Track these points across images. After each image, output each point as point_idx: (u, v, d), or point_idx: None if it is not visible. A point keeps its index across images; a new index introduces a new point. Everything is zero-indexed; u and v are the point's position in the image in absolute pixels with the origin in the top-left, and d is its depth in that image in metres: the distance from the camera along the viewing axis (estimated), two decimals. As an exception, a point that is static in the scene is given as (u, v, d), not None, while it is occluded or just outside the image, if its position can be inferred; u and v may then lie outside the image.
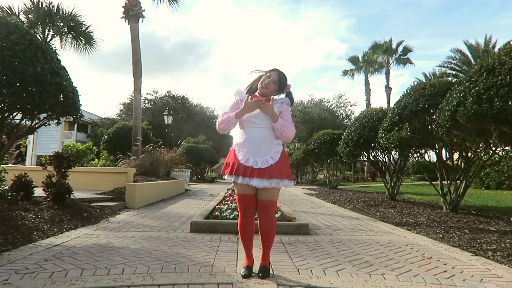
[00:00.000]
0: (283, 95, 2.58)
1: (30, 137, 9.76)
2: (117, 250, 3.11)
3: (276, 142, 2.44)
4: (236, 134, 2.57)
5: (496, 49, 20.08)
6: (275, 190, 2.40)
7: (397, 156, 8.58)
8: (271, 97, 2.49)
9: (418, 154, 7.81)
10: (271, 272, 2.51)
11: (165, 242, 3.50)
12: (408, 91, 6.31)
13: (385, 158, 9.09)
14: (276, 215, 4.58)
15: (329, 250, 3.30)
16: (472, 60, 20.67)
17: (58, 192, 4.85)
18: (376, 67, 30.63)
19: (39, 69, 3.73)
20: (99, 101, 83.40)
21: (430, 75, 24.48)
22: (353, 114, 28.26)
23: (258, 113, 2.41)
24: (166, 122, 15.86)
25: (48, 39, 12.94)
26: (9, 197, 4.62)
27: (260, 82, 2.49)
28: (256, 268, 2.49)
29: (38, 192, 5.16)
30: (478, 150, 5.42)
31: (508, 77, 3.62)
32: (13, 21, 4.03)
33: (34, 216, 4.12)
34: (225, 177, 2.46)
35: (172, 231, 4.12)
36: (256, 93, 2.53)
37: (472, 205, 7.18)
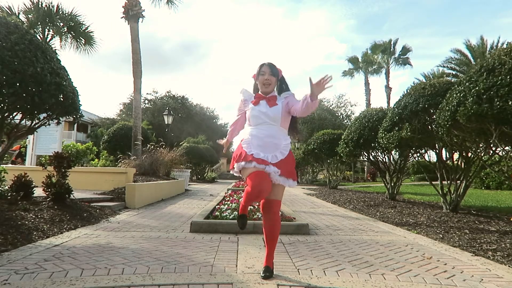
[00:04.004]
0: (286, 93, 2.57)
1: (30, 137, 9.75)
2: (117, 250, 3.10)
3: (284, 138, 2.45)
4: (243, 131, 2.58)
5: (488, 50, 20.01)
6: (280, 188, 2.41)
7: (397, 156, 8.59)
8: (276, 95, 2.53)
9: (418, 154, 7.81)
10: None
11: (165, 242, 3.49)
12: (408, 91, 6.31)
13: (385, 158, 9.09)
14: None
15: (329, 250, 3.30)
16: (472, 60, 20.68)
17: (58, 192, 4.85)
18: (375, 67, 30.63)
19: (39, 69, 3.73)
20: (99, 101, 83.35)
21: (430, 75, 24.47)
22: (353, 114, 28.24)
23: (266, 110, 2.43)
24: (166, 122, 15.85)
25: (48, 39, 12.94)
26: (9, 197, 4.62)
27: (259, 81, 2.51)
28: (256, 268, 2.49)
29: (38, 192, 5.16)
30: (478, 150, 5.42)
31: (508, 77, 3.62)
32: (13, 21, 4.04)
33: (34, 216, 4.11)
34: (236, 166, 2.38)
35: (172, 231, 4.12)
36: (260, 91, 2.54)
37: (472, 205, 7.18)
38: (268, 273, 2.40)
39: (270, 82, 2.48)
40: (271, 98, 2.49)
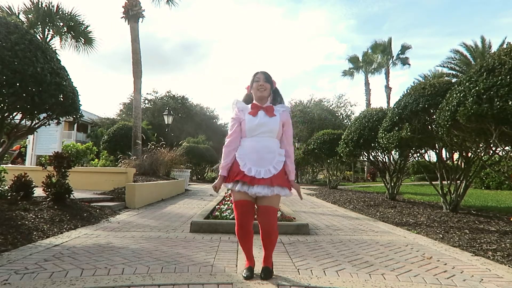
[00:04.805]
0: (282, 105, 2.53)
1: (30, 137, 9.75)
2: (117, 250, 3.10)
3: (278, 151, 2.41)
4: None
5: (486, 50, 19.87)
6: (276, 197, 2.36)
7: (397, 156, 8.58)
8: (272, 106, 2.48)
9: (418, 154, 7.81)
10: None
11: (165, 242, 3.49)
12: (408, 91, 6.32)
13: (385, 158, 9.09)
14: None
15: (329, 250, 3.30)
16: (472, 61, 20.68)
17: (58, 192, 4.85)
18: (375, 66, 30.63)
19: (39, 69, 3.73)
20: (99, 101, 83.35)
21: (429, 75, 24.45)
22: (353, 114, 28.23)
23: (260, 123, 2.38)
24: (166, 122, 15.85)
25: (48, 39, 12.93)
26: (9, 197, 4.62)
27: (253, 88, 2.47)
28: (257, 268, 2.49)
29: (38, 192, 5.16)
30: (478, 150, 5.42)
31: (508, 77, 3.62)
32: (13, 21, 4.04)
33: (34, 216, 4.11)
34: (226, 185, 2.41)
35: (172, 231, 4.12)
36: (254, 101, 2.48)
37: (472, 205, 7.18)
38: (268, 273, 2.38)
39: (265, 88, 2.44)
40: (269, 108, 2.44)
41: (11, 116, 4.10)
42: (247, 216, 2.37)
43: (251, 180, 2.29)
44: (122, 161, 10.45)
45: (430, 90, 5.68)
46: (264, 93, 2.45)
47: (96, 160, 15.14)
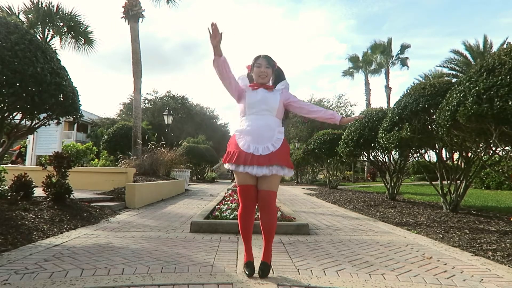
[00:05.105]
0: (280, 83, 2.58)
1: (30, 137, 9.75)
2: (117, 250, 3.10)
3: (278, 129, 2.43)
4: (237, 121, 2.58)
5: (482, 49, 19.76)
6: (274, 179, 2.38)
7: (397, 156, 8.58)
8: (272, 85, 2.54)
9: (418, 154, 7.81)
10: (271, 271, 2.50)
11: (165, 242, 3.49)
12: (408, 91, 6.31)
13: (385, 158, 9.09)
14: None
15: (329, 250, 3.30)
16: (472, 61, 20.67)
17: (58, 192, 4.85)
18: (375, 67, 30.65)
19: (39, 69, 3.73)
20: (99, 101, 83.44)
21: (430, 75, 24.44)
22: (353, 114, 28.27)
23: (261, 99, 2.42)
24: (166, 122, 15.84)
25: (48, 39, 12.94)
26: (9, 197, 4.62)
27: (254, 73, 2.51)
28: (257, 267, 2.49)
29: (38, 192, 5.16)
30: (478, 150, 5.42)
31: (508, 77, 3.61)
32: (13, 21, 4.04)
33: (34, 216, 4.11)
34: (226, 165, 2.47)
35: (172, 231, 4.12)
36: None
37: (472, 205, 7.18)
38: (267, 269, 2.37)
39: (267, 74, 2.48)
40: (269, 87, 2.51)
41: (11, 116, 4.10)
42: (250, 199, 2.41)
43: (251, 160, 2.31)
44: (122, 161, 10.45)
45: (430, 90, 5.67)
46: (265, 79, 2.50)
47: (96, 160, 15.14)
